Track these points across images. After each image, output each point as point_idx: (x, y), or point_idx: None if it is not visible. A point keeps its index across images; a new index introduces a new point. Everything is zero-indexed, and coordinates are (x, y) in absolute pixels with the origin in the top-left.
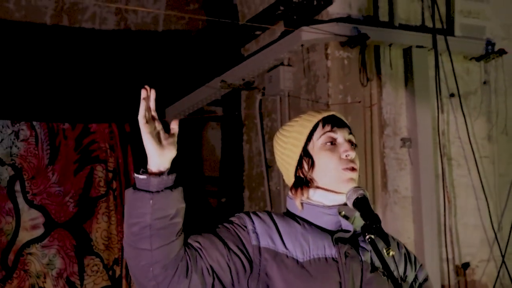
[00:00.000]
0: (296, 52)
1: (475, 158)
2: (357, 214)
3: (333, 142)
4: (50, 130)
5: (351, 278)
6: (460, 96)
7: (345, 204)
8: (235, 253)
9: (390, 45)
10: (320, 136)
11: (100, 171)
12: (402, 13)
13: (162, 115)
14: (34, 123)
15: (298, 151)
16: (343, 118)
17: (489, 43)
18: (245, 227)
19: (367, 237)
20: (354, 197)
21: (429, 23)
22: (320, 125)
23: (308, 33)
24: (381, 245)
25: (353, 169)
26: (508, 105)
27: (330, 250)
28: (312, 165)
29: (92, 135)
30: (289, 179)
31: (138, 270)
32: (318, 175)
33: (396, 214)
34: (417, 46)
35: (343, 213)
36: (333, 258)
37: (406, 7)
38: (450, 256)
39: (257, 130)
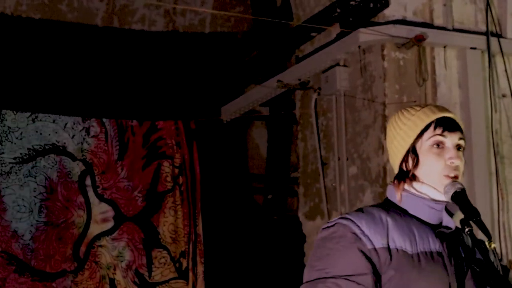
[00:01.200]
0: (353, 53)
1: None
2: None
3: (440, 145)
4: (119, 126)
5: (454, 274)
6: None
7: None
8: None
9: (444, 47)
10: (430, 138)
11: (166, 166)
12: (457, 16)
13: (217, 114)
14: (104, 120)
15: (406, 146)
16: (458, 120)
17: None
18: (354, 233)
19: (467, 229)
20: (453, 190)
21: (482, 25)
22: (432, 126)
23: (365, 35)
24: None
25: (455, 177)
26: None
27: (434, 245)
28: (416, 163)
29: (159, 132)
30: (394, 167)
31: None
32: (421, 173)
33: None
34: (471, 48)
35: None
36: (438, 253)
37: (460, 10)
38: (504, 251)
39: (313, 128)
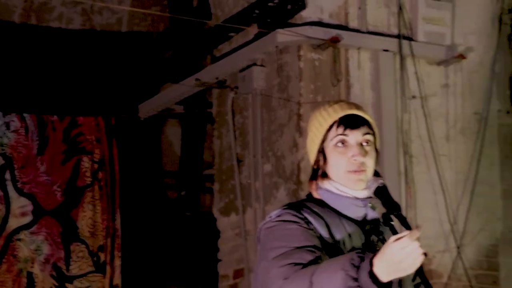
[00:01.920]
0: (270, 53)
1: (434, 156)
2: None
3: (344, 143)
4: (40, 121)
5: None
6: (421, 97)
7: (371, 197)
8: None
9: (358, 49)
10: (333, 137)
11: (86, 162)
12: (371, 19)
13: (135, 111)
14: (25, 115)
15: (316, 146)
16: (364, 115)
17: (450, 49)
18: (303, 219)
19: (389, 223)
20: (375, 186)
21: (395, 29)
22: (335, 126)
23: (282, 36)
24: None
25: (361, 171)
26: (465, 107)
27: (361, 241)
28: (325, 162)
29: (80, 128)
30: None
31: None
32: (330, 172)
33: None
34: (384, 50)
35: (371, 204)
36: (366, 249)
37: (374, 14)
38: None
39: (229, 126)
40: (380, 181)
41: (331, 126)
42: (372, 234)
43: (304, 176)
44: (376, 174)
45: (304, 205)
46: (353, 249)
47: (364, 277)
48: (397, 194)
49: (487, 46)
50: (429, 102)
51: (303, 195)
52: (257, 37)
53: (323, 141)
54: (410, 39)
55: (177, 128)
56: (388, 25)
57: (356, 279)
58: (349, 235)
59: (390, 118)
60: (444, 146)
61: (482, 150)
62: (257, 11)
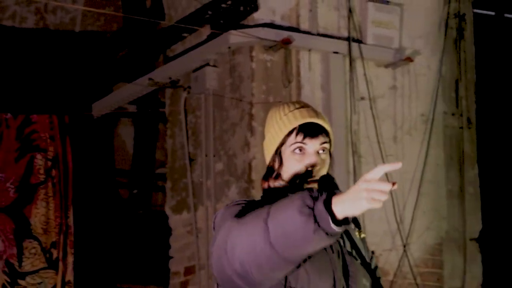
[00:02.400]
0: (222, 54)
1: (382, 156)
2: None
3: (302, 150)
4: None
5: (337, 260)
6: (370, 99)
7: None
8: None
9: (309, 50)
10: (292, 144)
11: (40, 159)
12: (321, 22)
13: (89, 110)
14: None
15: (273, 147)
16: (323, 123)
17: (398, 52)
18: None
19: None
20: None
21: (345, 31)
22: (295, 132)
23: (235, 37)
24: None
25: (315, 181)
26: (412, 108)
27: None
28: (280, 164)
29: (33, 125)
30: (266, 162)
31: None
32: (285, 175)
33: None
34: (334, 52)
35: None
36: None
37: (325, 16)
38: None
39: (181, 126)
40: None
41: (290, 132)
42: None
43: (255, 175)
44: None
45: (256, 200)
46: None
47: (320, 206)
48: None
49: (433, 50)
50: (378, 103)
51: (254, 193)
52: (210, 38)
53: (281, 144)
54: (359, 41)
55: (130, 127)
56: (338, 27)
57: (312, 209)
58: None
59: (339, 119)
60: (391, 147)
61: (428, 151)
62: (210, 12)
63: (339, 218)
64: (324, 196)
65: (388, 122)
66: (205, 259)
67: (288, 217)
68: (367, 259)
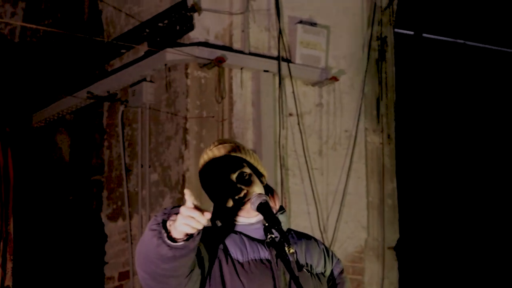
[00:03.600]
0: (159, 70)
1: (308, 170)
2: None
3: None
4: None
5: (282, 275)
6: (298, 115)
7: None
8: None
9: (241, 69)
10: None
11: None
12: (253, 41)
13: (29, 121)
14: None
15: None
16: (238, 154)
17: (324, 71)
18: None
19: (268, 237)
20: (257, 202)
21: (275, 51)
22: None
23: (171, 54)
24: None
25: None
26: (337, 124)
27: (263, 253)
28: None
29: None
30: None
31: None
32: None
33: None
34: (264, 71)
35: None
36: (267, 260)
37: (256, 36)
38: None
39: (119, 137)
40: (263, 197)
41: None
42: (273, 247)
43: (189, 186)
44: (267, 188)
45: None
46: (254, 260)
47: (159, 227)
48: None
49: (357, 70)
50: (305, 119)
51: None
52: (147, 54)
53: None
54: (288, 61)
55: (67, 136)
56: (268, 47)
57: (156, 231)
58: (250, 248)
59: (269, 134)
60: (317, 160)
61: (351, 165)
62: (147, 30)
63: (174, 236)
64: (164, 216)
65: (314, 137)
66: None
67: (145, 234)
68: (295, 271)
